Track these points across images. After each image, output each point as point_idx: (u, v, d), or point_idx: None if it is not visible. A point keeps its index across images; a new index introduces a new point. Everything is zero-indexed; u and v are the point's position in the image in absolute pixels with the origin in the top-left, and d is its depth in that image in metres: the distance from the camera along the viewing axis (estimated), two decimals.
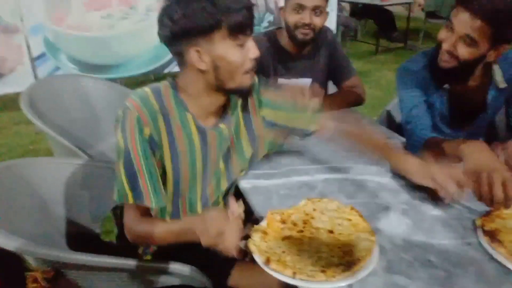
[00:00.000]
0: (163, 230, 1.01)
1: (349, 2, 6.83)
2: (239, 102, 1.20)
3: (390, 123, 1.85)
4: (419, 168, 1.07)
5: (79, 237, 1.33)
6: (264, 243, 0.91)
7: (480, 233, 0.94)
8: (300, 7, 1.58)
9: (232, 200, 0.88)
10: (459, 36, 1.18)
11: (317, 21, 1.61)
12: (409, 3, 6.21)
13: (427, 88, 1.37)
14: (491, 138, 1.49)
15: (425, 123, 1.33)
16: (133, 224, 1.04)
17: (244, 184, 1.21)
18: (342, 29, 5.82)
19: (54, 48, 3.81)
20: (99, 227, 1.44)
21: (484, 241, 0.92)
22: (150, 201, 1.01)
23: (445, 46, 1.22)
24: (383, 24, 6.42)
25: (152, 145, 1.02)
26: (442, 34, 1.24)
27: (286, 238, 0.94)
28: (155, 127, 1.02)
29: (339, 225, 0.98)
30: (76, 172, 1.40)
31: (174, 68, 4.32)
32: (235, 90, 1.06)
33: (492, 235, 0.91)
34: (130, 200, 1.01)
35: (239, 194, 1.22)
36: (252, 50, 1.01)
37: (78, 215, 1.38)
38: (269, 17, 4.52)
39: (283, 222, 0.99)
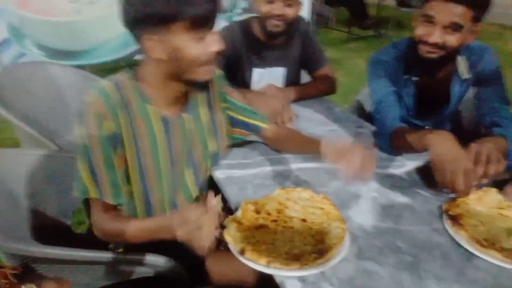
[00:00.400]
0: (136, 228, 0.99)
1: None
2: (202, 94, 1.19)
3: (361, 113, 1.88)
4: (334, 150, 1.08)
5: (50, 230, 1.31)
6: (239, 233, 0.93)
7: (445, 218, 0.99)
8: None
9: (210, 195, 0.87)
10: (444, 26, 1.20)
11: (289, 12, 1.58)
12: None
13: (397, 80, 1.41)
14: (457, 128, 1.54)
15: (394, 113, 1.37)
16: (103, 222, 1.03)
17: (218, 175, 1.22)
18: (315, 17, 5.83)
19: (19, 33, 3.65)
20: (70, 219, 1.41)
21: (447, 225, 0.96)
22: (110, 197, 1.01)
23: (432, 39, 1.22)
24: (355, 11, 6.48)
25: (114, 140, 1.00)
26: (421, 30, 1.24)
27: (260, 228, 0.96)
28: (116, 121, 0.99)
29: (312, 214, 1.00)
30: (44, 164, 1.36)
31: None
32: (193, 81, 1.03)
33: (454, 219, 0.95)
34: (92, 194, 1.00)
35: (213, 185, 1.23)
36: (213, 43, 0.97)
37: (47, 207, 1.35)
38: (243, 4, 4.47)
39: (258, 211, 1.00)
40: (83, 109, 0.98)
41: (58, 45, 3.82)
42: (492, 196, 1.05)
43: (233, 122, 1.29)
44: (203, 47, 0.96)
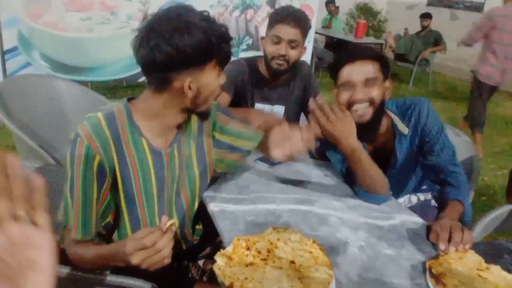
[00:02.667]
0: (92, 254, 0.99)
1: (325, 35, 7.10)
2: (194, 124, 1.23)
3: None
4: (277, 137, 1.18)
5: None
6: (229, 268, 0.95)
7: (428, 275, 1.02)
8: (278, 39, 1.67)
9: (164, 217, 0.86)
10: (361, 83, 1.32)
11: (292, 53, 1.70)
12: (381, 44, 6.54)
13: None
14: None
15: None
16: (68, 246, 1.04)
17: (213, 207, 1.25)
18: (316, 61, 6.02)
19: (27, 44, 3.72)
20: (60, 235, 1.41)
21: (431, 283, 0.99)
22: (77, 233, 1.02)
23: (356, 97, 1.32)
24: None
25: (101, 174, 1.02)
26: (344, 95, 1.35)
27: (249, 265, 0.98)
28: (106, 154, 1.01)
29: (301, 257, 1.03)
30: (42, 177, 1.38)
31: None
32: (202, 112, 1.12)
33: (437, 278, 0.99)
34: (69, 223, 1.02)
35: (207, 217, 1.26)
36: (222, 76, 1.07)
37: None
38: (248, 40, 4.63)
39: (248, 248, 1.02)
40: (74, 140, 0.99)
41: (64, 59, 3.89)
42: (472, 257, 1.09)
43: (226, 148, 1.30)
44: (219, 81, 1.06)
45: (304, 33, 1.70)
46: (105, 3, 3.89)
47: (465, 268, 1.05)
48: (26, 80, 2.15)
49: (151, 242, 0.82)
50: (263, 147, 1.31)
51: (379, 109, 1.36)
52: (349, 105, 1.34)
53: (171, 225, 0.85)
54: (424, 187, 1.62)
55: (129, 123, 1.06)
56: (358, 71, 1.32)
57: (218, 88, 1.07)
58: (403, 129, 1.42)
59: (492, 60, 3.80)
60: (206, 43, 0.96)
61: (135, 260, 0.82)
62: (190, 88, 1.01)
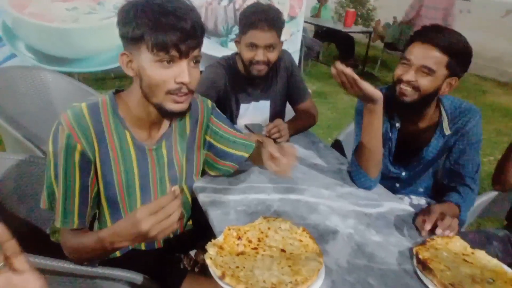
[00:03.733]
0: (93, 239, 0.97)
1: (314, 24, 7.08)
2: (187, 124, 1.23)
3: (339, 152, 1.95)
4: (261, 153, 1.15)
5: (29, 237, 1.30)
6: (220, 257, 0.96)
7: (415, 260, 1.04)
8: (254, 46, 1.60)
9: (171, 187, 0.86)
10: (417, 68, 1.30)
11: (271, 56, 1.64)
12: (370, 32, 6.54)
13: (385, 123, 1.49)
14: (433, 180, 1.62)
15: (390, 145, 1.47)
16: (67, 239, 1.04)
17: (203, 198, 1.25)
18: (305, 50, 6.01)
19: (12, 34, 3.65)
20: (48, 228, 1.41)
21: (418, 268, 1.02)
22: (58, 221, 1.02)
23: (405, 77, 1.31)
24: (343, 49, 6.72)
25: (83, 163, 1.01)
26: (399, 70, 1.35)
27: (240, 254, 0.99)
28: (88, 144, 1.01)
29: (291, 245, 1.04)
30: (27, 169, 1.37)
31: None
32: (157, 106, 1.04)
33: (424, 263, 1.01)
34: (58, 214, 1.03)
35: (198, 207, 1.26)
36: (181, 74, 0.98)
37: (28, 214, 1.35)
38: (237, 30, 4.59)
39: (239, 238, 1.04)
40: (56, 128, 1.00)
41: (50, 50, 3.83)
42: (457, 242, 1.12)
43: (220, 154, 1.32)
44: (168, 73, 0.98)
45: (280, 32, 1.64)
46: None
47: (451, 253, 1.08)
48: (12, 72, 2.11)
49: (161, 205, 0.82)
50: (255, 158, 1.34)
51: (426, 99, 1.34)
52: (398, 81, 1.34)
53: (179, 192, 0.85)
54: (421, 190, 1.64)
55: (113, 115, 1.06)
56: (421, 54, 1.29)
57: (168, 83, 0.99)
58: (446, 129, 1.43)
59: None
60: (132, 20, 0.94)
61: (145, 225, 0.81)
62: (131, 67, 1.00)
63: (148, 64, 0.97)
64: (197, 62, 1.03)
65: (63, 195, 1.01)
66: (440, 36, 1.27)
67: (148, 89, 1.01)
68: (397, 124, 1.49)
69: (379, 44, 6.83)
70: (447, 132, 1.43)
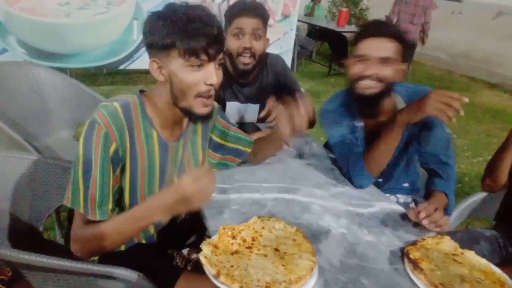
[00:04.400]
0: (119, 221, 1.03)
1: (307, 23, 7.10)
2: (198, 124, 1.28)
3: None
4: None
5: (22, 235, 1.30)
6: (215, 256, 0.97)
7: (406, 260, 1.07)
8: (241, 32, 1.63)
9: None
10: (376, 61, 1.34)
11: (257, 45, 1.66)
12: None
13: (344, 126, 1.53)
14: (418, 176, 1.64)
15: (357, 143, 1.49)
16: (82, 231, 1.05)
17: None
18: (299, 49, 6.03)
19: (3, 29, 3.61)
20: (42, 225, 1.41)
21: (408, 268, 1.04)
22: (94, 214, 1.03)
23: (367, 72, 1.35)
24: (336, 48, 6.74)
25: (115, 161, 1.05)
26: (357, 68, 1.38)
27: (235, 253, 1.01)
28: (122, 143, 1.05)
29: (285, 244, 1.06)
30: (22, 167, 1.37)
31: (131, 65, 4.26)
32: (186, 110, 1.11)
33: (414, 263, 1.03)
34: (81, 209, 1.02)
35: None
36: (210, 76, 1.05)
37: (22, 211, 1.35)
38: None
39: (234, 237, 1.05)
40: (90, 126, 1.01)
41: (42, 45, 3.80)
42: (447, 242, 1.14)
43: (223, 149, 1.39)
44: (198, 76, 1.05)
45: (265, 22, 1.67)
46: None
47: (441, 253, 1.10)
48: (4, 68, 2.09)
49: (201, 175, 0.94)
50: (251, 155, 1.45)
51: (387, 88, 1.38)
52: (359, 79, 1.38)
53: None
54: (406, 184, 1.65)
55: (142, 115, 1.10)
56: (377, 47, 1.34)
57: (198, 85, 1.05)
58: None
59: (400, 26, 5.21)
60: (162, 29, 1.00)
61: (191, 189, 0.93)
62: (162, 73, 1.06)
63: (179, 69, 1.03)
64: (220, 65, 1.10)
65: (99, 189, 1.02)
66: (389, 27, 1.38)
67: (180, 93, 1.07)
68: (361, 124, 1.51)
69: None
70: None
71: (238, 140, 1.42)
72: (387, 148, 1.39)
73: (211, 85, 1.06)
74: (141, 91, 1.15)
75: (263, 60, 1.79)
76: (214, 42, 1.03)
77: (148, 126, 1.11)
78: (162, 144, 1.15)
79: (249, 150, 1.44)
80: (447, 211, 1.42)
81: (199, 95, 1.07)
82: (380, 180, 1.59)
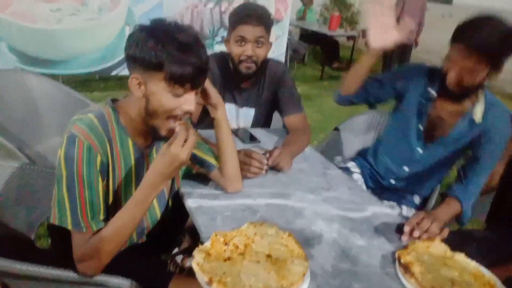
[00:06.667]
0: (120, 217, 1.03)
1: (299, 27, 7.13)
2: None
3: (336, 142, 2.05)
4: None
5: (13, 243, 1.30)
6: (207, 263, 0.97)
7: (397, 264, 1.08)
8: (243, 39, 1.64)
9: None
10: (460, 68, 1.35)
11: (259, 52, 1.67)
12: (354, 36, 6.63)
13: (419, 88, 1.57)
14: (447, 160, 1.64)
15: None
16: (82, 247, 1.03)
17: (190, 204, 1.26)
18: (291, 53, 6.05)
19: None
20: (34, 234, 1.40)
21: (399, 271, 1.05)
22: (90, 227, 1.02)
23: (451, 75, 1.37)
24: (328, 52, 6.79)
25: (102, 172, 1.05)
26: (445, 65, 1.40)
27: (227, 260, 1.01)
28: (104, 153, 1.05)
29: (277, 250, 1.06)
30: (14, 175, 1.36)
31: (122, 71, 4.25)
32: (153, 128, 1.10)
33: (405, 267, 1.04)
34: (69, 226, 1.01)
35: (185, 213, 1.28)
36: (188, 103, 1.05)
37: (13, 220, 1.34)
38: (223, 33, 4.61)
39: (226, 243, 1.05)
40: (69, 141, 0.99)
41: (34, 52, 3.79)
42: (438, 246, 1.16)
43: (200, 162, 1.34)
44: (177, 102, 1.05)
45: (268, 29, 1.68)
46: None
47: (431, 256, 1.11)
48: None
49: (183, 138, 1.03)
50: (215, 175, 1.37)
51: (472, 88, 1.39)
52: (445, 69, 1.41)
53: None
54: (416, 199, 1.68)
55: (117, 124, 1.10)
56: (460, 57, 1.34)
57: (176, 110, 1.05)
58: (478, 117, 1.46)
59: None
60: (151, 49, 0.98)
61: (185, 154, 1.01)
62: (140, 88, 1.04)
63: (160, 92, 1.03)
64: (197, 91, 1.10)
65: (89, 204, 1.02)
66: (478, 38, 1.30)
67: (153, 112, 1.06)
68: (433, 93, 1.53)
69: (363, 46, 6.91)
70: (477, 119, 1.46)
71: (210, 151, 1.37)
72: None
73: (188, 112, 1.07)
74: (113, 100, 1.14)
75: (264, 65, 1.80)
76: (200, 73, 1.04)
77: (123, 135, 1.11)
78: (136, 151, 1.15)
79: (216, 164, 1.35)
80: (460, 219, 1.42)
81: (170, 117, 1.07)
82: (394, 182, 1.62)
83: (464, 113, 1.49)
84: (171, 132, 1.08)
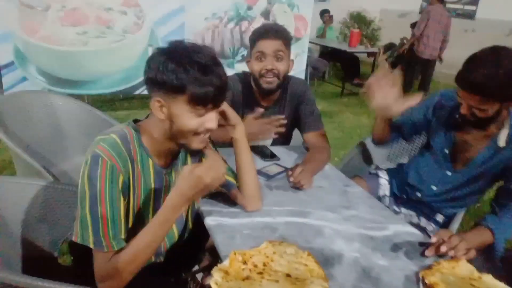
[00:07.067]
0: (143, 237, 1.03)
1: (319, 45, 7.16)
2: (188, 154, 1.29)
3: (364, 152, 2.07)
4: None
5: (36, 260, 1.32)
6: (226, 282, 0.96)
7: (421, 285, 1.04)
8: (263, 55, 1.68)
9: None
10: (468, 104, 1.36)
11: (279, 66, 1.70)
12: (375, 53, 6.61)
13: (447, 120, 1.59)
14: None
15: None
16: (104, 266, 1.03)
17: (209, 221, 1.27)
18: (311, 70, 6.07)
19: (23, 58, 3.75)
20: (56, 251, 1.43)
21: None
22: (112, 246, 1.03)
23: (463, 110, 1.39)
24: (349, 68, 6.77)
25: (124, 191, 1.06)
26: (459, 99, 1.40)
27: (246, 279, 1.00)
28: (126, 173, 1.06)
29: (296, 270, 1.04)
30: (39, 193, 1.39)
31: (145, 90, 4.34)
32: (183, 145, 1.13)
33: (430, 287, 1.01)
34: (91, 245, 1.02)
35: (204, 231, 1.28)
36: (210, 121, 1.08)
37: (38, 237, 1.37)
38: (243, 52, 4.68)
39: (245, 262, 1.04)
40: (92, 161, 1.01)
41: (60, 73, 3.92)
42: (464, 266, 1.11)
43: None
44: (200, 121, 1.07)
45: (287, 44, 1.71)
46: (101, 17, 3.93)
47: (457, 277, 1.07)
48: (23, 97, 2.17)
49: (214, 156, 1.10)
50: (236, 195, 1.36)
51: (487, 119, 1.38)
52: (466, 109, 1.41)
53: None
54: (439, 217, 1.65)
55: (138, 145, 1.12)
56: (469, 99, 1.35)
57: (199, 129, 1.08)
58: (502, 140, 1.44)
59: (425, 40, 5.95)
60: (173, 72, 1.00)
61: (209, 177, 1.01)
62: (162, 111, 1.06)
63: (183, 113, 1.05)
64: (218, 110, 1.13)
65: (111, 223, 1.02)
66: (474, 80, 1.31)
67: (178, 132, 1.09)
68: (456, 117, 1.52)
69: (383, 63, 6.87)
70: (501, 143, 1.44)
71: (229, 170, 1.36)
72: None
73: (210, 129, 1.10)
74: (135, 121, 1.17)
75: (285, 83, 1.82)
76: (222, 92, 1.07)
77: (144, 155, 1.13)
78: (157, 171, 1.16)
79: (236, 183, 1.35)
80: (491, 252, 1.36)
81: (196, 134, 1.09)
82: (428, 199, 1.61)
83: (490, 138, 1.48)
84: (202, 143, 1.13)
